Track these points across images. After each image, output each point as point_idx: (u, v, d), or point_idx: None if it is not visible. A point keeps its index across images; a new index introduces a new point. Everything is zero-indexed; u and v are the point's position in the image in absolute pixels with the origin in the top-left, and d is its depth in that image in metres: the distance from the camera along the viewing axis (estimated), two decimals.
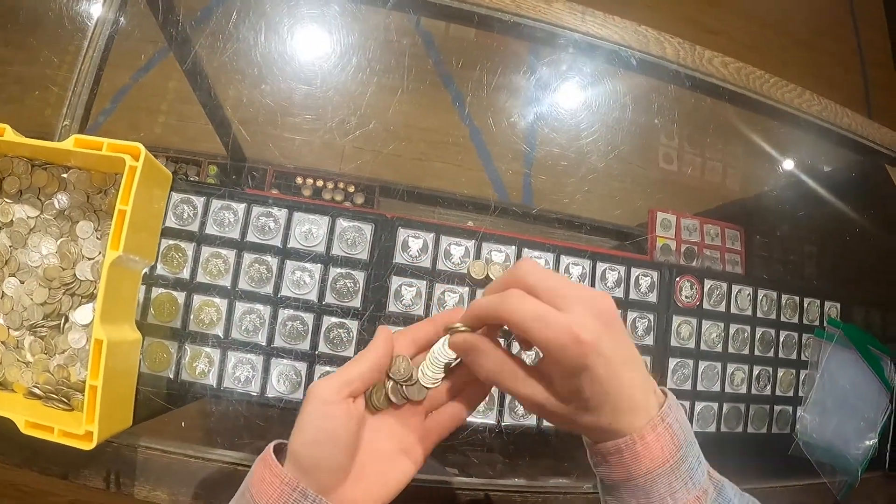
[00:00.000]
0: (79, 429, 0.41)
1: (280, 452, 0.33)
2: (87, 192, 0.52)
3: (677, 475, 0.29)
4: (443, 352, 0.35)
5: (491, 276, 0.55)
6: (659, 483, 0.29)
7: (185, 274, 0.53)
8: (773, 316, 0.65)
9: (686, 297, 0.60)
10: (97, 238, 0.52)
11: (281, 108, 0.59)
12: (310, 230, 0.54)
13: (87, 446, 0.41)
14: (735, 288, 0.63)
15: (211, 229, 0.54)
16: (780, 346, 0.66)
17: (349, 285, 0.54)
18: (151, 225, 0.52)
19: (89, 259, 0.52)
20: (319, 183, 0.59)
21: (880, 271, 0.77)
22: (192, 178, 0.60)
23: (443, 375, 0.36)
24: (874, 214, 0.76)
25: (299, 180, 0.59)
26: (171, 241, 0.54)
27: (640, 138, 0.64)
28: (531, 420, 0.55)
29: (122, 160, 0.45)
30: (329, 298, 0.53)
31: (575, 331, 0.28)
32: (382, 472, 0.34)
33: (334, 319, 0.53)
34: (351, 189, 0.59)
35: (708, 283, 0.62)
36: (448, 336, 0.35)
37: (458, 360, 0.35)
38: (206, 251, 0.54)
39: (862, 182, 0.77)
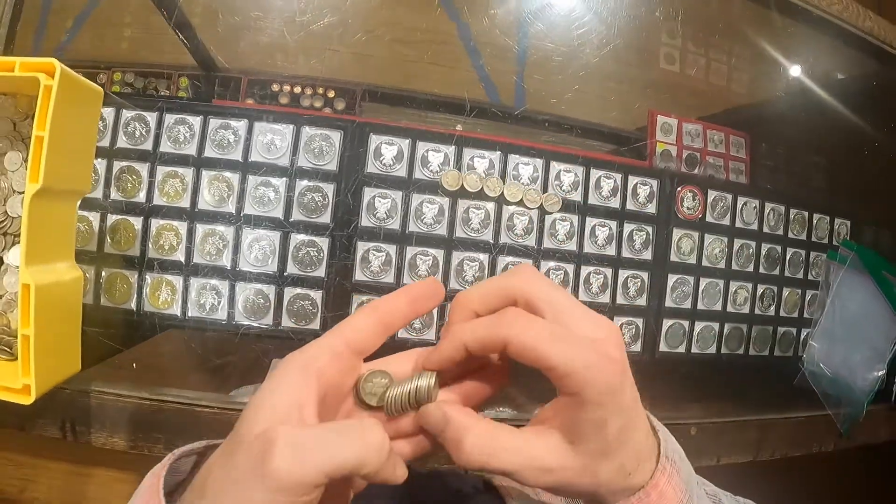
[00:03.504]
0: (16, 382, 0.37)
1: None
2: (13, 118, 0.47)
3: None
4: (424, 393, 0.26)
5: (466, 186, 0.50)
6: None
7: (141, 197, 0.49)
8: (780, 232, 0.61)
9: (688, 208, 0.56)
10: (27, 169, 0.47)
11: (254, 11, 0.52)
12: (272, 141, 0.49)
13: (26, 400, 0.37)
14: (741, 200, 0.58)
15: (165, 147, 0.49)
16: (787, 263, 0.62)
17: (318, 199, 0.49)
18: (81, 149, 0.46)
19: (20, 193, 0.46)
20: (297, 89, 0.53)
21: (895, 189, 0.72)
22: (162, 93, 0.54)
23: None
24: (893, 127, 0.70)
25: (275, 87, 0.53)
26: (123, 163, 0.49)
27: (639, 35, 0.58)
28: None
29: (37, 80, 0.39)
30: (296, 215, 0.49)
31: (603, 347, 0.23)
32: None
33: (302, 237, 0.48)
34: (331, 95, 0.53)
35: (712, 195, 0.57)
36: (429, 375, 0.26)
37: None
38: (162, 171, 0.49)
39: (880, 91, 0.71)
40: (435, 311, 0.51)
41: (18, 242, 0.46)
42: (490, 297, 0.26)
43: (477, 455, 0.24)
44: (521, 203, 0.51)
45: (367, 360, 0.27)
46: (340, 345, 0.25)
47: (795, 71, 0.66)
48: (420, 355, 0.27)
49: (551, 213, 0.52)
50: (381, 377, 0.26)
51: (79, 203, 0.46)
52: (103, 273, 0.49)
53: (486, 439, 0.24)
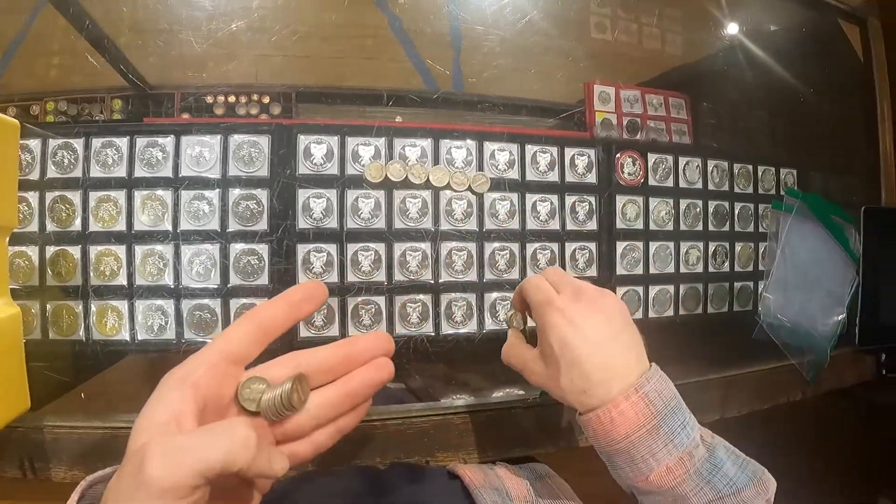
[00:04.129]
0: None
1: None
2: None
3: (656, 438, 0.32)
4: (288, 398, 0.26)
5: (391, 176, 0.50)
6: (639, 445, 0.32)
7: (77, 225, 0.48)
8: (726, 187, 0.61)
9: (629, 174, 0.56)
10: None
11: (178, 24, 0.52)
12: (201, 153, 0.48)
13: None
14: (682, 160, 0.59)
15: (95, 171, 0.48)
16: (736, 218, 0.62)
17: (252, 207, 0.48)
18: (2, 185, 0.45)
19: None
20: (231, 98, 0.52)
21: (838, 135, 0.73)
22: (96, 118, 0.53)
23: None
24: (828, 74, 0.71)
25: (209, 99, 0.53)
26: (55, 193, 0.49)
27: (568, 8, 0.58)
28: (471, 327, 0.51)
29: None
30: (233, 225, 0.48)
31: (550, 295, 0.35)
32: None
33: (241, 246, 0.48)
34: (266, 100, 0.53)
35: (652, 158, 0.57)
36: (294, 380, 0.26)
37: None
38: (94, 196, 0.48)
39: (813, 40, 0.72)
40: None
41: None
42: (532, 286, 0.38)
43: (504, 357, 0.39)
44: (448, 187, 0.51)
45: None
46: (216, 356, 0.26)
47: (728, 27, 0.66)
48: (296, 357, 0.28)
49: (483, 194, 0.52)
50: (259, 383, 0.26)
51: (8, 238, 0.45)
52: (48, 306, 0.49)
53: (507, 347, 0.39)
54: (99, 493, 0.26)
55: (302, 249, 0.49)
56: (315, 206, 0.49)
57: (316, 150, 0.49)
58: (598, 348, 0.33)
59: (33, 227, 0.48)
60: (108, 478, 0.27)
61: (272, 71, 0.53)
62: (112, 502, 0.22)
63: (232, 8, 0.51)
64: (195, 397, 0.24)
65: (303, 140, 0.49)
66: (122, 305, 0.48)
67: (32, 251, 0.49)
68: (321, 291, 0.28)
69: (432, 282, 0.51)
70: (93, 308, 0.48)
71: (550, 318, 0.34)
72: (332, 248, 0.49)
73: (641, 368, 0.34)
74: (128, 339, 0.48)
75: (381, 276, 0.50)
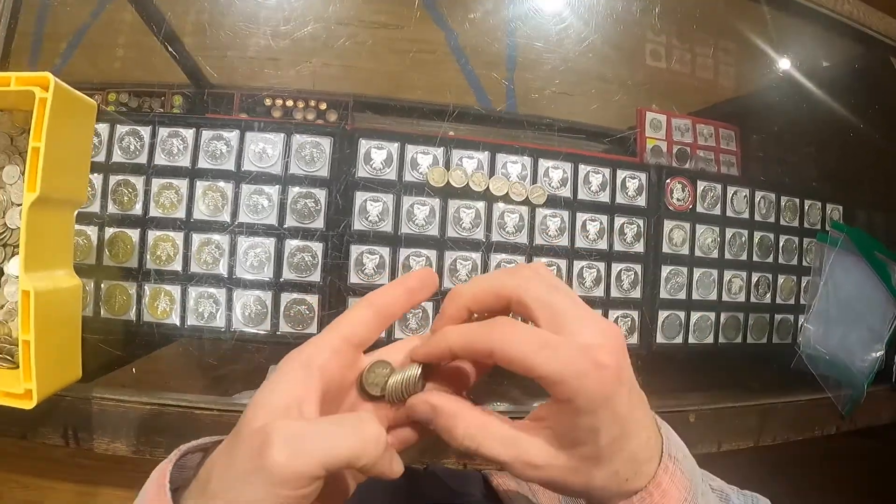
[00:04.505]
0: (18, 387, 0.38)
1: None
2: (10, 133, 0.48)
3: None
4: (411, 383, 0.26)
5: (452, 182, 0.51)
6: None
7: (138, 210, 0.50)
8: (772, 219, 0.61)
9: (678, 199, 0.56)
10: (24, 181, 0.48)
11: (243, 28, 0.54)
12: (264, 150, 0.50)
13: (28, 405, 0.38)
14: (731, 189, 0.59)
15: (160, 159, 0.50)
16: (780, 250, 0.62)
17: (310, 205, 0.49)
18: (76, 161, 0.47)
19: (19, 205, 0.47)
20: (290, 103, 0.54)
21: (885, 171, 0.72)
22: (157, 111, 0.55)
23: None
24: (878, 110, 0.71)
25: (268, 102, 0.54)
26: (119, 177, 0.50)
27: (624, 34, 0.59)
28: None
29: (33, 94, 0.40)
30: (290, 221, 0.49)
31: (594, 354, 0.22)
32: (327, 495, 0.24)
33: (297, 243, 0.49)
34: (322, 107, 0.54)
35: (701, 185, 0.57)
36: (415, 367, 0.27)
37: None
38: (157, 183, 0.50)
39: (864, 76, 0.72)
40: (431, 310, 0.51)
41: (18, 253, 0.47)
42: (484, 296, 0.26)
43: (469, 442, 0.24)
44: (507, 197, 0.52)
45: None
46: (339, 340, 0.25)
47: (780, 61, 0.67)
48: (409, 342, 0.28)
49: (539, 206, 0.52)
50: (383, 367, 0.26)
51: (75, 213, 0.47)
52: (102, 285, 0.50)
53: (475, 428, 0.24)
54: (191, 462, 0.26)
55: (356, 250, 0.50)
56: (371, 208, 0.50)
57: (376, 155, 0.50)
58: (642, 417, 0.25)
59: (95, 207, 0.50)
60: (202, 448, 0.26)
61: (330, 78, 0.54)
62: (218, 478, 0.21)
63: (297, 22, 0.53)
64: (319, 382, 0.23)
65: (364, 144, 0.50)
66: (175, 290, 0.50)
67: (92, 231, 0.50)
68: (434, 279, 0.28)
69: None
70: (146, 290, 0.49)
71: (607, 390, 0.22)
72: (385, 252, 0.50)
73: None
74: (178, 323, 0.49)
75: None
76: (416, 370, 0.26)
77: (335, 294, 0.49)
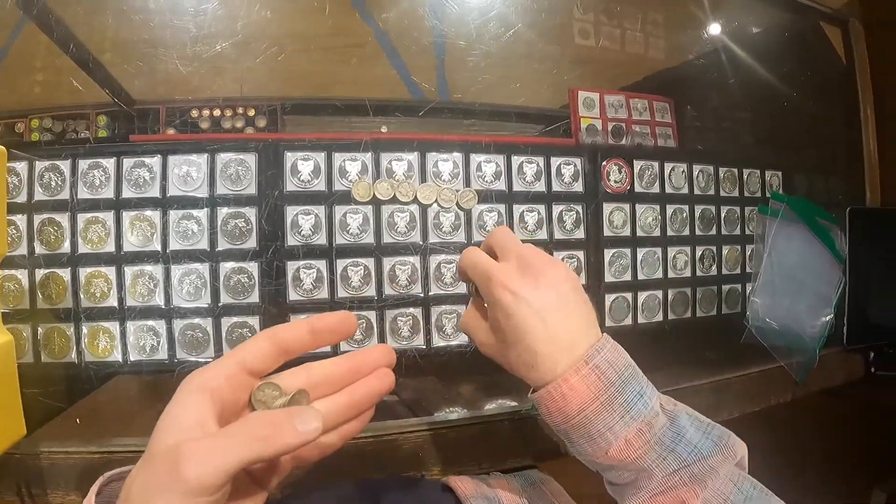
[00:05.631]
0: None
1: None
2: None
3: (611, 411, 0.31)
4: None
5: (378, 195, 0.50)
6: (595, 420, 0.31)
7: (66, 248, 0.48)
8: (712, 192, 0.62)
9: (615, 181, 0.56)
10: None
11: (161, 40, 0.52)
12: (188, 173, 0.48)
13: None
14: (668, 166, 0.59)
15: (83, 193, 0.48)
16: (723, 222, 0.63)
17: (241, 225, 0.48)
18: None
19: None
20: (217, 112, 0.52)
21: (821, 136, 0.74)
22: (81, 134, 0.53)
23: None
24: (810, 76, 0.72)
25: (194, 113, 0.53)
26: (44, 216, 0.49)
27: (551, 15, 0.58)
28: (462, 339, 0.51)
29: None
30: (222, 244, 0.48)
31: (491, 271, 0.34)
32: None
33: (231, 265, 0.48)
34: (251, 113, 0.53)
35: (638, 165, 0.58)
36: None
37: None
38: (83, 218, 0.49)
39: (795, 43, 0.73)
40: (376, 328, 0.51)
41: None
42: (483, 248, 0.37)
43: (462, 325, 0.38)
44: (436, 204, 0.51)
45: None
46: (234, 367, 0.27)
47: (710, 30, 0.67)
48: (307, 368, 0.30)
49: (470, 209, 0.52)
50: (272, 389, 0.28)
51: (0, 261, 0.46)
52: (39, 329, 0.49)
53: (465, 315, 0.38)
54: (115, 490, 0.28)
55: (292, 266, 0.49)
56: (304, 222, 0.49)
57: (303, 167, 0.49)
58: (544, 321, 0.32)
59: (22, 250, 0.48)
60: (124, 475, 0.27)
61: (257, 84, 0.53)
62: (140, 492, 0.24)
63: (217, 29, 0.51)
64: (214, 403, 0.26)
65: (289, 157, 0.49)
66: (114, 327, 0.48)
67: (22, 274, 0.49)
68: (350, 326, 0.30)
69: (422, 295, 0.51)
70: (84, 330, 0.48)
71: (494, 293, 0.33)
72: (321, 265, 0.49)
73: (591, 339, 0.32)
74: (120, 360, 0.48)
75: (371, 291, 0.50)
76: (296, 395, 0.28)
77: (276, 314, 0.49)
